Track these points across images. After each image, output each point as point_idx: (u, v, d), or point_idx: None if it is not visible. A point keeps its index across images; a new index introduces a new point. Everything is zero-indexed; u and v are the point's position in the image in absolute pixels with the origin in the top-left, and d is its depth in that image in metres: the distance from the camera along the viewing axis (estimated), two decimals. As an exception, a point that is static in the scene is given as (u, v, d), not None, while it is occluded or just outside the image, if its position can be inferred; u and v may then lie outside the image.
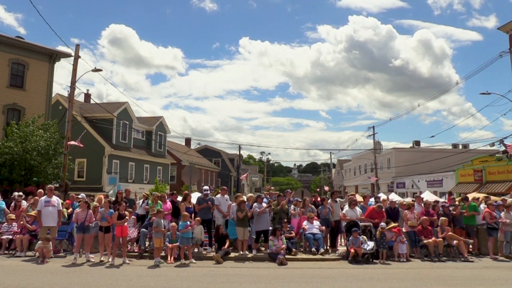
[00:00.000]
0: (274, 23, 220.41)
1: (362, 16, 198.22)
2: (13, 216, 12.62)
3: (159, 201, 12.90)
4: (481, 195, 17.56)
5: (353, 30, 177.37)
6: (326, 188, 39.94)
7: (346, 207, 13.10)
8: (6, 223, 12.51)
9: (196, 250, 11.70)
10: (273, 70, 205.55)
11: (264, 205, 12.43)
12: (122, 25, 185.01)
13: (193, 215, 12.47)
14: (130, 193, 14.92)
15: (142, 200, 14.06)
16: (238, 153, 57.80)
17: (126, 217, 11.11)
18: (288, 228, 12.63)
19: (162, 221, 11.18)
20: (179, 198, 14.09)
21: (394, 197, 24.19)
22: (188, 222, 11.40)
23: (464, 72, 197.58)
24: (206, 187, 13.75)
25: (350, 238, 11.69)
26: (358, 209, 13.03)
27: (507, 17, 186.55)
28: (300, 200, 14.27)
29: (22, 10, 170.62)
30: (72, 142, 19.38)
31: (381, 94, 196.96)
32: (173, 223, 11.63)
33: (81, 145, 20.03)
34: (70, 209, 13.40)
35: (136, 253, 11.76)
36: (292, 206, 13.50)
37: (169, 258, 10.92)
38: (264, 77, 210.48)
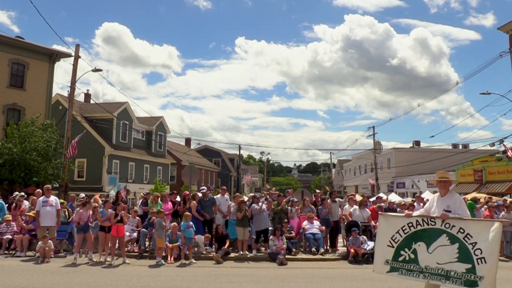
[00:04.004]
0: (270, 23, 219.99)
1: (358, 15, 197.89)
2: (9, 217, 12.58)
3: (159, 201, 12.95)
4: (481, 195, 17.59)
5: (349, 29, 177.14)
6: (326, 188, 39.81)
7: (355, 207, 13.00)
8: (5, 224, 12.49)
9: (196, 249, 11.70)
10: (270, 70, 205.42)
11: (263, 204, 12.43)
12: (116, 23, 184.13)
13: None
14: (129, 193, 14.92)
15: (140, 200, 14.07)
16: (238, 153, 57.84)
17: (123, 217, 11.05)
18: (288, 228, 12.63)
19: (163, 221, 11.20)
20: (178, 198, 14.11)
21: (394, 197, 24.21)
22: (191, 222, 11.41)
23: (462, 71, 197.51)
24: (202, 187, 13.88)
25: (350, 238, 11.68)
26: (367, 210, 12.92)
27: (505, 15, 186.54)
28: (296, 200, 14.26)
29: (15, 8, 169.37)
30: (72, 151, 18.89)
31: (379, 93, 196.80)
32: (174, 223, 11.63)
33: (73, 152, 19.18)
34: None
35: (136, 253, 11.75)
36: (289, 208, 13.49)
37: (169, 258, 10.92)
38: (261, 76, 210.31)
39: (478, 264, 5.22)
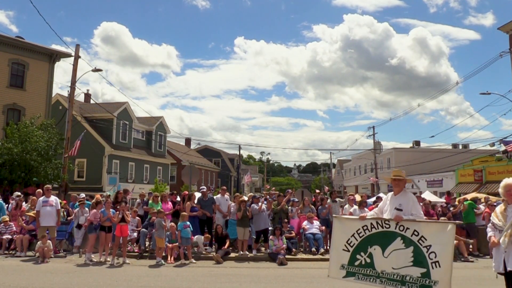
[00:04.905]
0: (269, 22, 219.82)
1: (358, 15, 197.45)
2: (6, 218, 12.56)
3: (159, 201, 12.96)
4: (481, 195, 17.60)
5: (348, 29, 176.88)
6: (326, 188, 39.95)
7: (355, 207, 12.97)
8: (3, 224, 12.47)
9: (196, 250, 11.71)
10: (270, 70, 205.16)
11: (262, 204, 12.43)
12: (114, 22, 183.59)
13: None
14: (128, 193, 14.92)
15: (137, 201, 14.06)
16: (238, 153, 57.86)
17: (125, 217, 11.07)
18: (288, 228, 12.63)
19: (163, 221, 11.21)
20: (179, 198, 14.12)
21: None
22: (188, 222, 11.42)
23: (462, 70, 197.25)
24: (202, 187, 13.93)
25: (350, 238, 11.67)
26: (367, 210, 12.88)
27: (505, 15, 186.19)
28: (296, 200, 14.26)
29: (13, 7, 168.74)
30: (74, 151, 19.03)
31: (379, 93, 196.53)
32: (172, 223, 11.63)
33: (75, 153, 19.33)
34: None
35: (136, 253, 11.76)
36: (290, 208, 13.50)
37: (169, 258, 10.93)
38: (261, 76, 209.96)
39: (432, 268, 5.15)
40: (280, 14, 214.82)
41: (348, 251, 5.70)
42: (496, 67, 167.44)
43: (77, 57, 19.79)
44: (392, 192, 5.94)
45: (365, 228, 5.66)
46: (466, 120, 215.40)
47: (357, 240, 5.68)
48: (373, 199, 16.96)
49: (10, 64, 23.93)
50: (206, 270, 10.08)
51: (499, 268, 4.98)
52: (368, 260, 5.55)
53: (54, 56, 26.10)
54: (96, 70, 20.79)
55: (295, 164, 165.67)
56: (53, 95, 28.11)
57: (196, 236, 11.81)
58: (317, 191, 18.34)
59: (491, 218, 5.34)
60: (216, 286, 8.46)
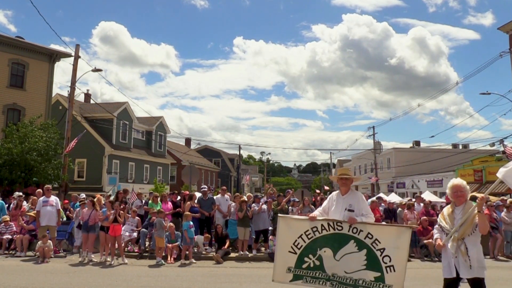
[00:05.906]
0: (268, 22, 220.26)
1: (357, 14, 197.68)
2: (7, 218, 12.57)
3: (159, 201, 12.97)
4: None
5: (347, 28, 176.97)
6: (326, 187, 40.05)
7: None
8: (3, 224, 12.47)
9: (196, 250, 11.71)
10: (269, 70, 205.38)
11: (263, 204, 12.43)
12: (113, 22, 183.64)
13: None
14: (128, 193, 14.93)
15: (133, 202, 14.07)
16: (237, 153, 57.86)
17: (117, 217, 11.03)
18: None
19: (163, 221, 11.23)
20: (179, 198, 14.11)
21: (394, 197, 24.21)
22: (191, 222, 11.41)
23: (461, 70, 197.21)
24: (204, 186, 13.94)
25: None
26: None
27: (504, 14, 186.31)
28: (297, 200, 14.26)
29: (12, 7, 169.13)
30: (70, 147, 18.92)
31: (378, 93, 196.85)
32: (171, 223, 11.64)
33: (70, 148, 19.07)
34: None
35: (136, 253, 11.76)
36: (290, 207, 13.50)
37: (169, 258, 10.93)
38: (260, 76, 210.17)
39: (387, 272, 5.00)
40: (279, 14, 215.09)
41: (295, 253, 5.37)
42: (496, 67, 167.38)
43: (77, 57, 19.79)
44: (338, 192, 5.62)
45: (314, 229, 5.33)
46: (466, 120, 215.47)
47: (305, 241, 5.35)
48: (373, 199, 16.95)
49: (10, 64, 23.95)
50: (206, 270, 10.08)
51: (448, 273, 4.72)
52: (317, 263, 5.26)
53: (54, 56, 26.11)
54: (96, 70, 20.78)
55: (295, 164, 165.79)
56: (53, 95, 28.10)
57: (196, 236, 11.82)
58: (317, 191, 18.34)
59: (438, 219, 5.10)
60: (216, 286, 8.46)
